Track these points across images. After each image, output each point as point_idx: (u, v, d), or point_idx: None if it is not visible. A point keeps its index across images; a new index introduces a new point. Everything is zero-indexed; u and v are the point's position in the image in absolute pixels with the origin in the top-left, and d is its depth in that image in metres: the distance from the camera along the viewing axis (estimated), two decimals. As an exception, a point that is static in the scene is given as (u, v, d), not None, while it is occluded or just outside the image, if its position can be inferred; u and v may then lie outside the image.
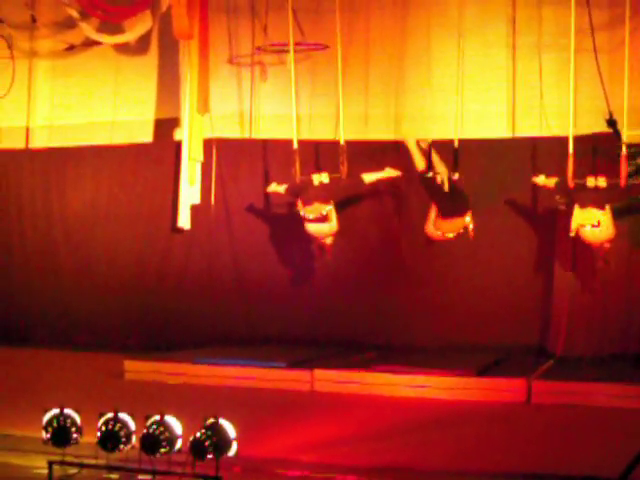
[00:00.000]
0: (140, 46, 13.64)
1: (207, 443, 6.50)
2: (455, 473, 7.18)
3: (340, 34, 11.67)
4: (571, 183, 10.64)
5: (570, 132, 10.72)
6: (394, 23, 12.69)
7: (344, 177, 11.37)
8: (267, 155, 12.92)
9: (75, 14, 13.07)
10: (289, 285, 12.87)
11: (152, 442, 6.59)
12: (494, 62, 12.34)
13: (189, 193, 12.82)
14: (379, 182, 11.69)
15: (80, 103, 14.02)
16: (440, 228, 11.16)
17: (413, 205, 12.26)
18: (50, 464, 6.84)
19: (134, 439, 6.74)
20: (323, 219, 11.28)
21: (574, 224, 10.57)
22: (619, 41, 10.91)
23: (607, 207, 10.50)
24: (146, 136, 13.73)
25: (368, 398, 10.17)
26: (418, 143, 11.57)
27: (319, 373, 10.72)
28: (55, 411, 6.89)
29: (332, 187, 11.39)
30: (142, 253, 13.58)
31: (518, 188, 11.96)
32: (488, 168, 11.65)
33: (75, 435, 6.85)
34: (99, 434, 6.74)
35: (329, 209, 11.30)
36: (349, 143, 11.50)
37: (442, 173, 11.16)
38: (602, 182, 10.54)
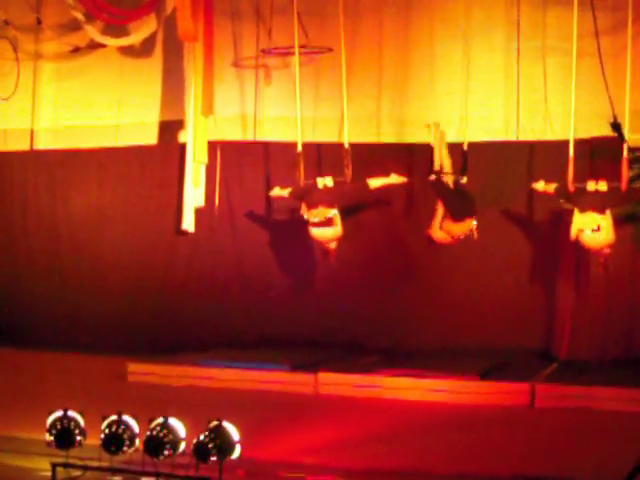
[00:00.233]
0: (145, 49, 13.65)
1: (210, 446, 6.50)
2: (458, 476, 7.17)
3: (344, 38, 11.67)
4: (571, 187, 10.53)
5: (571, 135, 10.68)
6: (398, 27, 12.68)
7: (349, 181, 11.32)
8: (271, 158, 12.92)
9: (80, 16, 13.07)
10: (293, 288, 12.87)
11: (156, 444, 6.60)
12: (498, 66, 12.33)
13: (193, 196, 12.82)
14: (384, 187, 11.59)
15: (85, 105, 14.02)
16: (449, 231, 11.05)
17: (418, 208, 12.24)
18: (53, 466, 6.84)
19: (137, 442, 6.74)
20: (327, 223, 11.13)
21: (574, 228, 10.41)
22: (622, 45, 10.90)
23: (607, 211, 10.34)
24: (150, 138, 13.74)
25: (372, 401, 10.17)
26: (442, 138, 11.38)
27: (323, 376, 10.72)
28: (58, 413, 6.89)
29: (337, 191, 11.26)
30: (146, 255, 13.58)
31: (522, 191, 11.97)
32: (491, 171, 11.63)
33: (79, 437, 6.86)
34: (102, 436, 6.74)
35: (334, 213, 11.14)
36: (353, 146, 11.50)
37: (450, 176, 11.08)
38: (603, 186, 10.38)
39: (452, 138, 11.74)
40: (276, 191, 11.81)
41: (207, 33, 12.38)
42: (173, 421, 6.69)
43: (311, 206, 11.21)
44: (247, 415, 8.06)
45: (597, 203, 10.34)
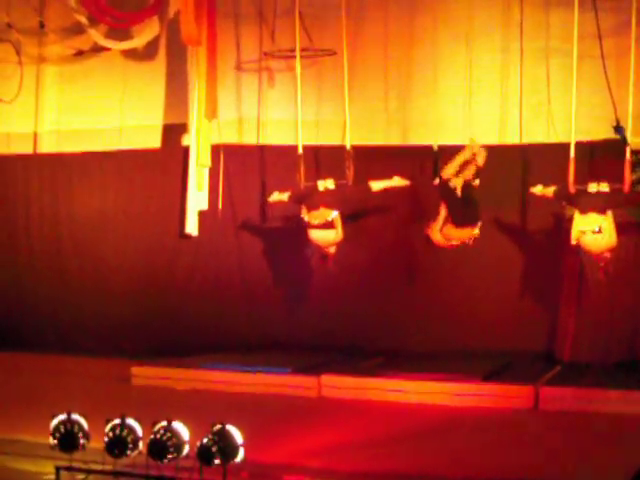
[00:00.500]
0: (148, 52, 13.67)
1: (214, 449, 6.50)
2: (462, 479, 7.18)
3: (347, 40, 11.67)
4: (572, 189, 10.45)
5: (572, 136, 10.66)
6: (401, 28, 12.68)
7: (350, 183, 11.29)
8: (275, 161, 12.93)
9: (83, 20, 13.09)
10: (296, 291, 12.87)
11: (159, 448, 6.60)
12: (501, 67, 12.33)
13: (197, 199, 12.83)
14: (387, 190, 11.55)
15: (88, 108, 14.03)
16: (448, 235, 11.00)
17: (422, 210, 12.20)
18: (57, 470, 6.86)
19: (141, 445, 6.75)
20: (328, 225, 10.99)
21: (574, 231, 10.23)
22: (626, 47, 10.89)
23: (609, 212, 10.17)
24: (154, 142, 13.75)
25: (375, 404, 10.17)
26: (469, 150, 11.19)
27: (326, 379, 10.73)
28: (62, 417, 6.90)
29: (338, 193, 11.18)
30: (149, 259, 13.60)
31: (525, 193, 11.97)
32: (493, 173, 11.58)
33: (82, 441, 6.86)
34: (106, 440, 6.74)
35: (335, 215, 11.00)
36: (356, 149, 11.50)
37: (460, 180, 10.99)
38: (604, 187, 10.25)
39: (456, 140, 11.75)
40: (275, 196, 11.68)
41: (210, 36, 12.39)
42: (177, 424, 6.69)
43: (312, 208, 11.09)
44: (250, 418, 8.06)
45: (598, 204, 10.17)
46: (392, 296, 12.51)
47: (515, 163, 12.07)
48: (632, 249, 11.42)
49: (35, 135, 14.26)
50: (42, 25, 13.90)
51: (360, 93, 12.55)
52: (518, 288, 12.15)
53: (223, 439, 6.54)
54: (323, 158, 12.48)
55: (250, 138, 13.27)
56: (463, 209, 10.97)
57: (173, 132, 13.57)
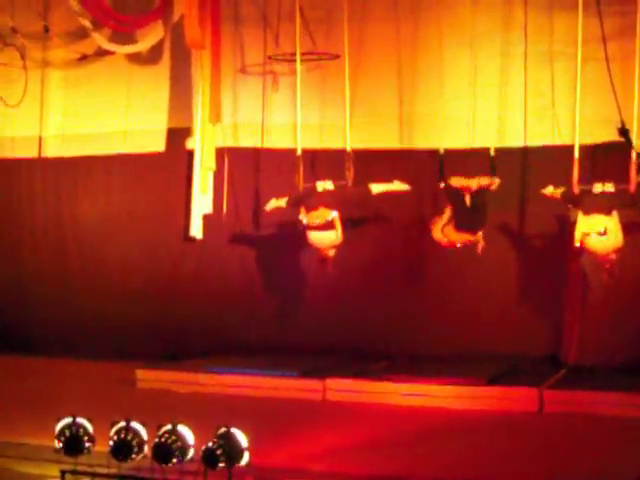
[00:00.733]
0: (152, 56, 13.67)
1: (219, 452, 6.51)
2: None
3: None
4: (576, 189, 10.41)
5: (576, 136, 10.65)
6: (406, 32, 12.66)
7: (350, 184, 11.26)
8: (278, 164, 12.91)
9: (87, 24, 13.09)
10: (301, 294, 12.87)
11: (164, 451, 6.61)
12: (505, 71, 12.33)
13: (201, 202, 12.82)
14: (387, 194, 11.51)
15: (92, 112, 14.04)
16: (447, 235, 10.99)
17: (426, 213, 12.17)
18: (62, 473, 6.87)
19: (146, 448, 6.75)
20: (328, 226, 10.92)
21: (578, 232, 10.12)
22: (630, 50, 10.88)
23: (614, 212, 10.08)
24: (158, 145, 13.76)
25: (380, 407, 10.16)
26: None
27: (331, 382, 10.72)
28: (67, 420, 6.91)
29: (338, 194, 11.14)
30: (154, 263, 13.60)
31: (530, 196, 11.98)
32: (500, 177, 11.58)
33: (87, 444, 6.87)
34: (111, 443, 6.76)
35: (334, 215, 10.93)
36: (360, 153, 11.50)
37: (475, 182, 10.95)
38: (610, 187, 10.19)
39: (462, 144, 11.75)
40: (272, 203, 11.60)
41: (214, 40, 12.39)
42: (182, 428, 6.70)
43: (311, 208, 11.03)
44: (255, 422, 8.03)
45: (603, 204, 10.09)
46: (397, 299, 12.49)
47: (519, 166, 12.06)
48: (638, 250, 11.32)
49: (40, 139, 14.26)
50: (46, 29, 13.90)
51: (365, 97, 12.55)
52: (523, 291, 12.14)
53: (228, 442, 6.55)
54: (326, 161, 12.47)
55: (254, 141, 13.26)
56: (467, 214, 10.94)
57: (177, 136, 13.58)
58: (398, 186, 11.36)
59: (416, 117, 12.61)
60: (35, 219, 14.32)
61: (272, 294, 13.05)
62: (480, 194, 10.88)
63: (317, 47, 12.52)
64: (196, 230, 12.89)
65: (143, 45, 13.40)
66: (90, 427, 6.89)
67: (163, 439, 6.62)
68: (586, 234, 10.10)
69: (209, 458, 6.52)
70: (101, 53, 13.72)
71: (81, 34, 13.60)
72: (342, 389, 10.65)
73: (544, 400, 9.92)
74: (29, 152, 14.27)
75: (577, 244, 10.25)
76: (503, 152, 11.66)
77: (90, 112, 14.03)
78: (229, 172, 13.10)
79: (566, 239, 11.55)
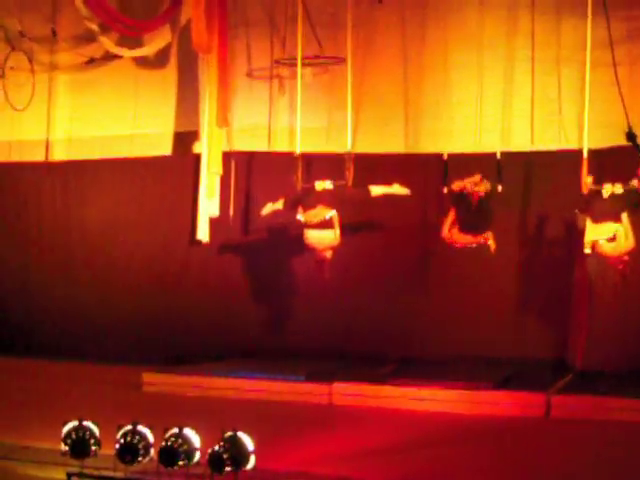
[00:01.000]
0: (159, 60, 13.70)
1: (225, 456, 6.50)
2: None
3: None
4: (584, 189, 10.38)
5: (585, 136, 10.61)
6: (412, 36, 12.68)
7: (350, 185, 11.21)
8: (285, 168, 12.87)
9: (95, 28, 13.12)
10: (307, 298, 12.85)
11: (170, 455, 6.61)
12: (513, 76, 12.32)
13: (208, 206, 12.84)
14: (387, 196, 11.45)
15: (100, 116, 14.08)
16: (452, 237, 11.01)
17: (432, 217, 12.18)
18: (69, 476, 6.86)
19: (152, 452, 6.75)
20: (326, 225, 10.89)
21: (588, 239, 10.18)
22: (637, 54, 10.88)
23: (624, 215, 10.10)
24: (165, 149, 13.79)
25: (386, 411, 10.15)
26: None
27: (337, 386, 10.71)
28: (74, 423, 6.91)
29: (337, 193, 11.11)
30: (160, 266, 13.62)
31: (537, 199, 11.97)
32: (504, 180, 11.57)
33: (94, 447, 6.87)
34: (117, 446, 6.75)
35: (333, 214, 10.90)
36: (366, 156, 11.48)
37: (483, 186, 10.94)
38: (619, 188, 10.19)
39: (468, 148, 11.74)
40: (268, 208, 11.59)
41: (221, 44, 12.42)
42: (188, 431, 6.69)
43: (308, 207, 10.99)
44: (262, 425, 8.05)
45: (611, 211, 10.11)
46: (404, 304, 12.48)
47: (526, 171, 12.05)
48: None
49: (47, 143, 14.30)
50: (54, 33, 13.95)
51: (371, 101, 12.58)
52: (529, 295, 12.13)
53: (234, 446, 6.55)
54: (333, 165, 12.45)
55: (261, 145, 13.28)
56: (471, 217, 10.95)
57: (184, 139, 13.60)
58: (398, 190, 11.34)
59: (422, 122, 12.61)
60: (42, 222, 14.34)
61: (278, 298, 13.04)
62: (484, 197, 10.89)
63: (325, 51, 12.53)
64: (202, 234, 12.91)
65: (150, 49, 13.43)
66: (96, 430, 6.89)
67: (169, 442, 6.62)
68: (595, 241, 10.15)
69: (215, 462, 6.51)
70: (108, 57, 13.77)
71: (89, 38, 13.64)
72: (348, 393, 10.65)
73: (551, 405, 9.91)
74: (36, 156, 14.30)
75: (587, 251, 10.29)
76: (510, 156, 11.66)
77: (97, 116, 14.07)
78: (236, 176, 13.10)
79: (573, 244, 11.56)
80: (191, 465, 6.64)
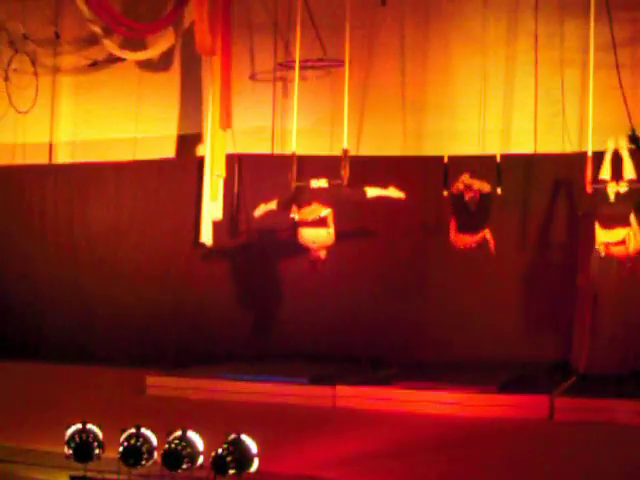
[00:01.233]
0: (163, 62, 13.72)
1: (229, 459, 6.50)
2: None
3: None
4: (589, 188, 10.39)
5: (589, 135, 10.60)
6: (415, 38, 12.70)
7: (345, 184, 11.14)
8: (289, 170, 12.91)
9: (98, 30, 13.12)
10: (311, 300, 12.85)
11: (174, 458, 6.60)
12: (516, 78, 12.32)
13: (211, 209, 12.84)
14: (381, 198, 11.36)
15: (103, 119, 14.11)
16: (457, 240, 11.02)
17: (436, 220, 12.18)
18: (72, 479, 6.85)
19: (156, 455, 6.75)
20: (321, 223, 10.77)
21: (599, 242, 10.23)
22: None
23: (632, 217, 10.09)
24: (169, 152, 13.80)
25: (389, 414, 10.13)
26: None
27: (341, 389, 10.70)
28: (77, 426, 6.91)
29: (332, 191, 11.01)
30: (164, 269, 13.62)
31: (541, 201, 11.97)
32: (508, 182, 11.56)
33: (97, 450, 6.86)
34: (121, 449, 6.75)
35: (328, 212, 10.78)
36: (368, 158, 11.47)
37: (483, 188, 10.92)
38: (623, 187, 10.17)
39: (472, 151, 11.74)
40: (261, 209, 11.53)
41: (225, 47, 12.43)
42: (191, 434, 6.69)
43: (303, 204, 10.89)
44: (265, 428, 8.04)
45: (618, 215, 10.11)
46: (407, 306, 12.48)
47: (529, 173, 12.05)
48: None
49: (50, 145, 14.33)
50: (57, 36, 13.99)
51: (374, 103, 12.58)
52: (532, 298, 12.12)
53: (238, 449, 6.54)
54: (334, 167, 12.44)
55: (264, 148, 13.28)
56: (469, 217, 10.96)
57: (188, 142, 13.62)
58: (393, 192, 11.23)
59: (424, 124, 12.62)
60: (46, 225, 14.34)
61: (282, 301, 13.04)
62: (477, 196, 10.89)
63: (328, 54, 12.53)
64: (206, 236, 12.90)
65: (154, 52, 13.44)
66: (100, 433, 6.89)
67: (173, 445, 6.62)
68: (606, 244, 10.19)
69: (219, 464, 6.51)
70: (112, 60, 13.79)
71: (92, 40, 13.67)
72: (352, 396, 10.63)
73: (555, 407, 9.89)
74: (40, 158, 14.33)
75: (602, 254, 10.32)
76: (512, 159, 11.68)
77: (101, 118, 14.10)
78: (239, 178, 13.11)
79: (578, 245, 11.56)
80: (194, 468, 6.64)
